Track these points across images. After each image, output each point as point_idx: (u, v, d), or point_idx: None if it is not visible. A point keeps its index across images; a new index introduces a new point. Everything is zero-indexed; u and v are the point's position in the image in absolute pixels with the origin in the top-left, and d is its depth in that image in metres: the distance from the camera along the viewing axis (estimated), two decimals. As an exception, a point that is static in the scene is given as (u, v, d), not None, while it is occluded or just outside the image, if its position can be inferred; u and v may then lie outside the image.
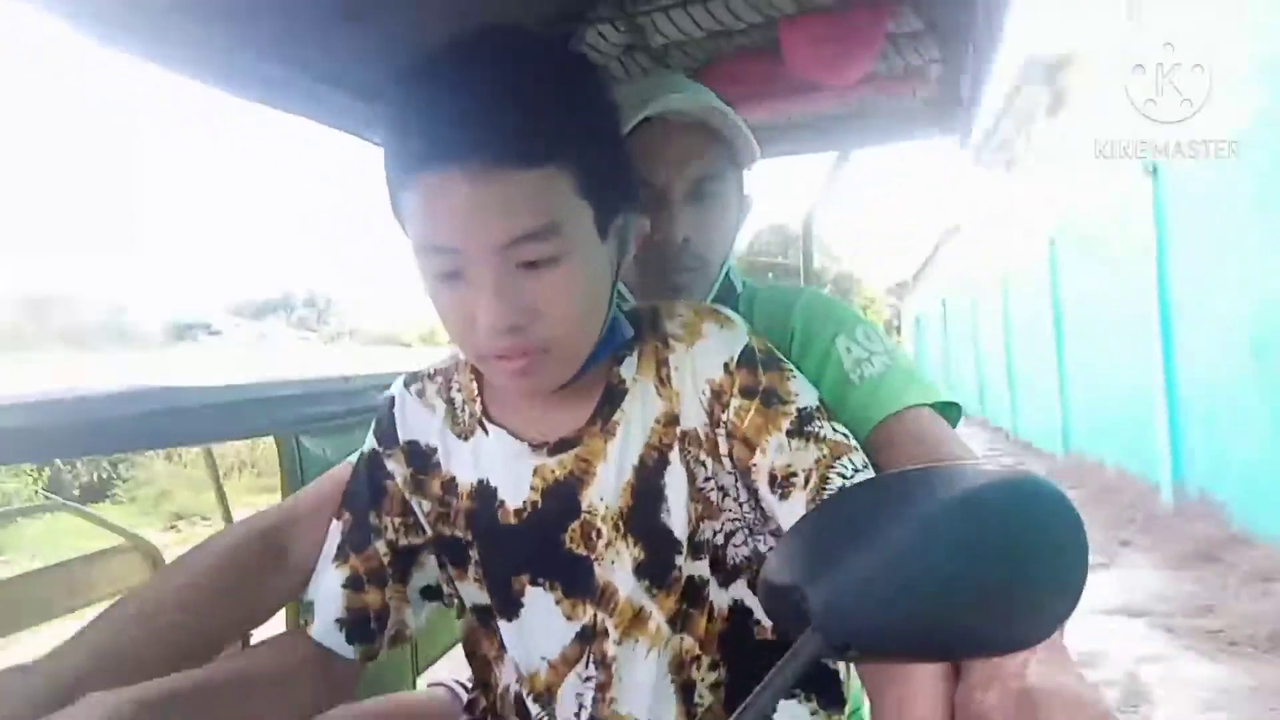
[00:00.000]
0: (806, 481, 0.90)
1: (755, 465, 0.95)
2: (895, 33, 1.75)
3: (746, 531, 1.03)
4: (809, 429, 0.94)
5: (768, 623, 1.04)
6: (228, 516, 1.83)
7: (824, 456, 0.92)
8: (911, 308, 35.20)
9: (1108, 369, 9.22)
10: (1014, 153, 13.89)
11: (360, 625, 1.05)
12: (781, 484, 0.92)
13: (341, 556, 1.07)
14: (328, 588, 1.06)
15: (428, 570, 1.11)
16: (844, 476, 0.90)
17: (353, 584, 1.05)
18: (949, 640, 0.62)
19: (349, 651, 1.05)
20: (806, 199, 2.69)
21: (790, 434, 0.94)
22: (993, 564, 0.60)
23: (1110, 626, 4.97)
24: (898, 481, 0.66)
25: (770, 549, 0.99)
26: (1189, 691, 4.03)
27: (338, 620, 1.04)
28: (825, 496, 0.88)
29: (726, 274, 1.32)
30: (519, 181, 0.81)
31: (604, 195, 0.89)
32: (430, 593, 1.12)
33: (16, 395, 1.21)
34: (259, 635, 1.14)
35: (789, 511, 0.91)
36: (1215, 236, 6.67)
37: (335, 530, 1.09)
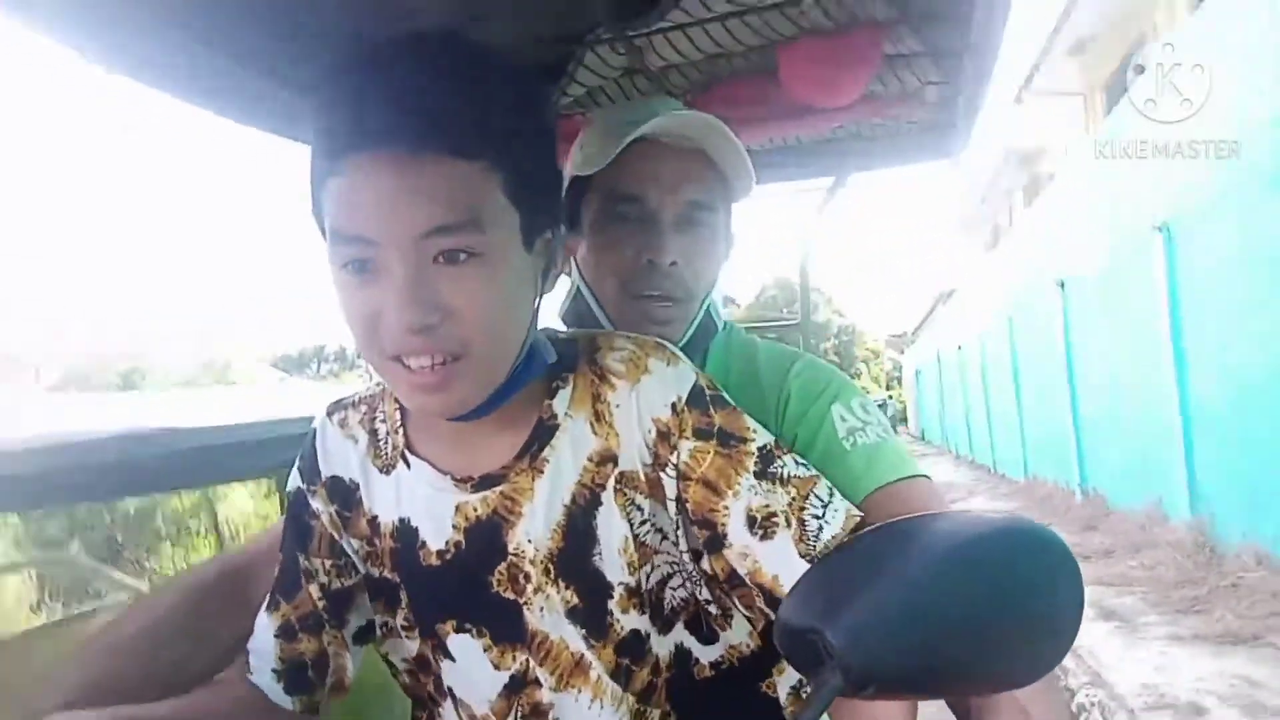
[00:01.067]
0: (788, 523, 0.87)
1: (725, 508, 0.90)
2: (892, 54, 1.76)
3: (684, 575, 0.99)
4: (773, 469, 0.91)
5: (707, 659, 1.02)
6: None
7: (795, 498, 0.89)
8: (911, 362, 37.99)
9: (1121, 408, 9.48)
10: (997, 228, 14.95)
11: (297, 675, 1.00)
12: (763, 525, 0.88)
13: (273, 604, 1.01)
14: (262, 637, 1.01)
15: (362, 611, 1.04)
16: (817, 518, 0.87)
17: (284, 633, 1.00)
18: (961, 676, 0.67)
19: (288, 703, 1.00)
20: (803, 235, 2.67)
21: (758, 475, 0.90)
22: (998, 603, 0.66)
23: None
24: (908, 527, 0.71)
25: (702, 593, 1.00)
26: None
27: (274, 670, 0.99)
28: (808, 535, 0.86)
29: (708, 309, 1.28)
30: (444, 170, 0.77)
31: (532, 204, 0.86)
32: (363, 635, 1.06)
33: (7, 441, 1.17)
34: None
35: (772, 552, 0.87)
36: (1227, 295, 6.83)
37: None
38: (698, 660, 1.02)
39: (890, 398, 44.53)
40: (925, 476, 1.10)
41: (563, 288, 1.27)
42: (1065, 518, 10.17)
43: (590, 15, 1.60)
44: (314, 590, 1.01)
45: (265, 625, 1.01)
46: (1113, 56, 11.60)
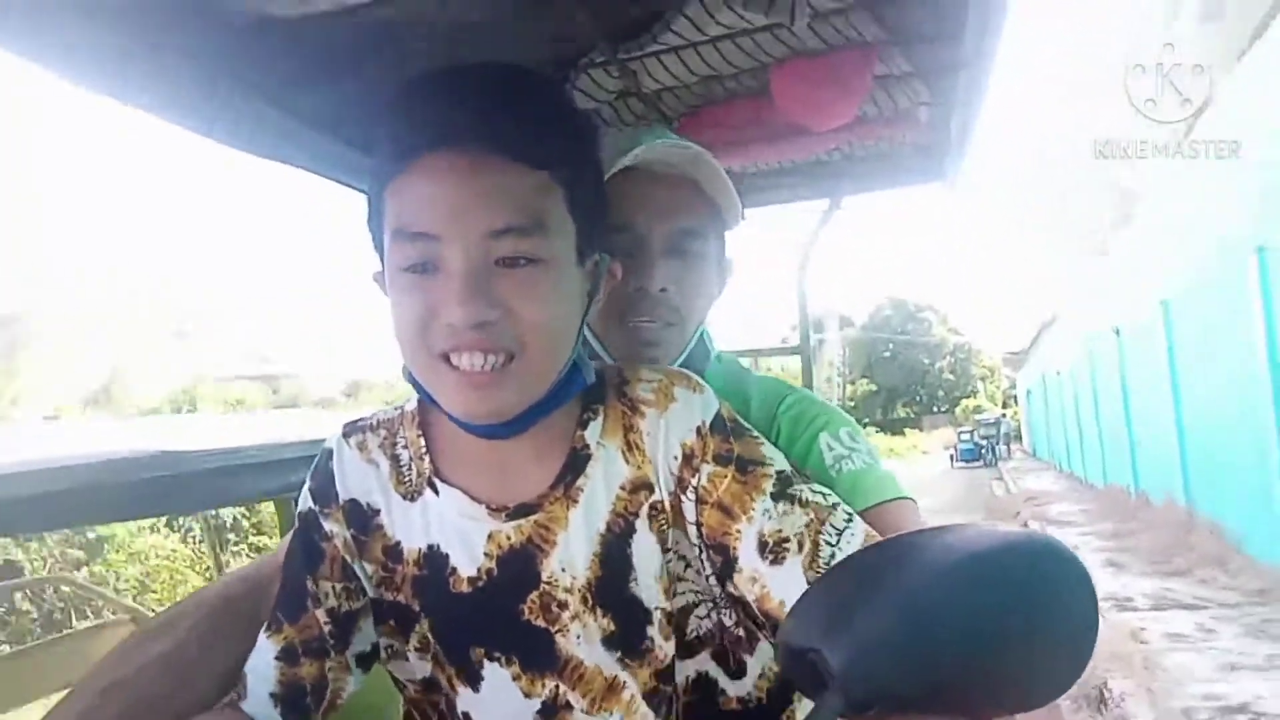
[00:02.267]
0: (800, 547, 0.87)
1: (739, 531, 0.90)
2: (884, 75, 1.77)
3: (711, 604, 1.00)
4: (790, 492, 0.92)
5: (735, 694, 1.03)
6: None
7: (811, 521, 0.89)
8: (1023, 382, 39.09)
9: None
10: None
11: (296, 700, 0.99)
12: (774, 550, 0.88)
13: (274, 627, 1.00)
14: (261, 660, 0.99)
15: (365, 634, 1.03)
16: (830, 544, 0.87)
17: (287, 656, 0.99)
18: (967, 698, 0.63)
19: None
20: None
21: (775, 497, 0.91)
22: (1005, 621, 0.62)
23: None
24: (911, 541, 0.67)
25: (729, 619, 1.00)
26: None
27: (271, 695, 0.98)
28: (820, 561, 0.85)
29: (701, 337, 1.29)
30: (514, 175, 0.82)
31: (587, 221, 0.90)
32: (365, 660, 1.05)
33: (10, 464, 1.19)
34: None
35: (782, 578, 0.87)
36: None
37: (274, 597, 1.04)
38: (724, 692, 1.03)
39: (1005, 416, 43.94)
40: (909, 499, 1.11)
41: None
42: (1125, 516, 12.74)
43: (584, 39, 1.63)
44: (321, 614, 1.00)
45: (265, 648, 0.99)
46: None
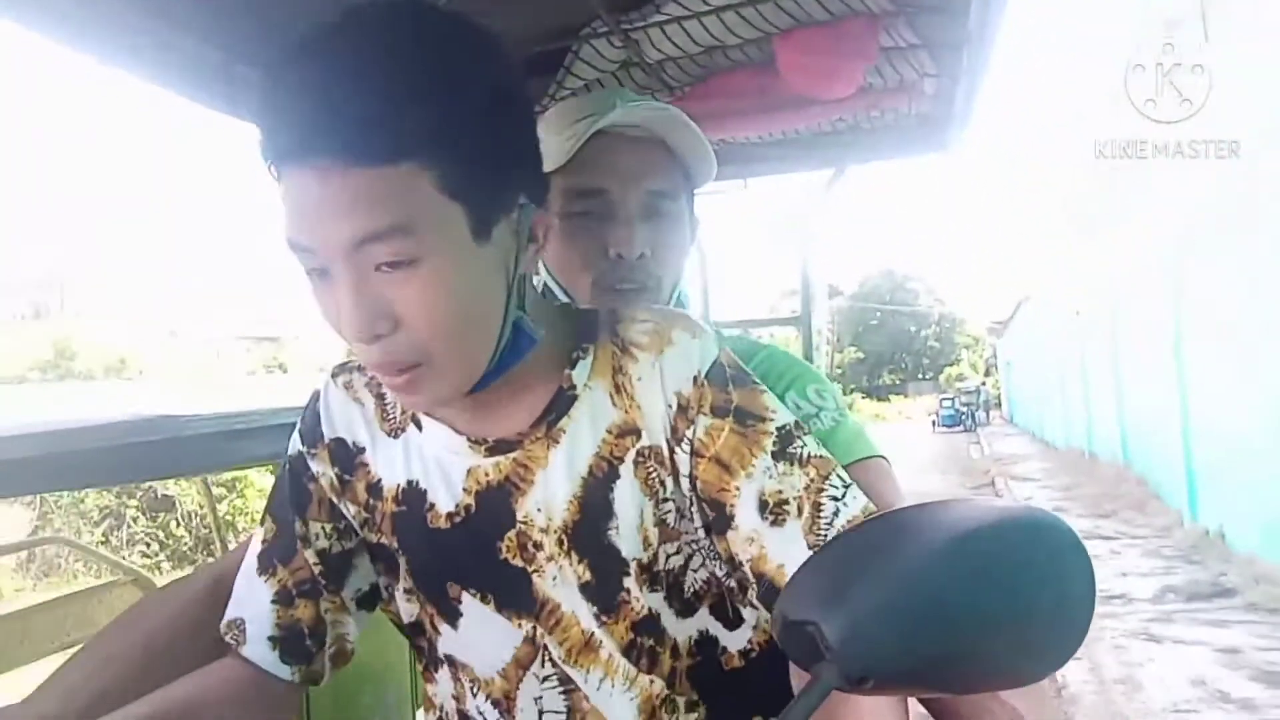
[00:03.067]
0: (800, 510, 0.85)
1: (737, 489, 0.87)
2: (889, 46, 1.75)
3: (704, 555, 0.96)
4: (791, 450, 0.88)
5: (735, 648, 1.00)
6: (224, 546, 1.81)
7: (812, 481, 0.86)
8: (1003, 354, 40.57)
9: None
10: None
11: (294, 642, 0.98)
12: (774, 510, 0.85)
13: (268, 568, 0.99)
14: (256, 603, 0.98)
15: (362, 573, 1.02)
16: (836, 499, 0.85)
17: (281, 598, 0.98)
18: (963, 672, 0.63)
19: (284, 672, 0.98)
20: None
21: (775, 456, 0.88)
22: (1003, 596, 0.61)
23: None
24: (910, 515, 0.67)
25: (729, 576, 0.96)
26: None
27: (270, 639, 0.97)
28: (821, 524, 0.84)
29: (678, 298, 1.29)
30: (368, 179, 0.75)
31: (481, 193, 0.82)
32: (366, 600, 1.03)
33: (12, 427, 1.19)
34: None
35: (781, 539, 0.84)
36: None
37: (256, 540, 1.02)
38: (725, 649, 0.99)
39: (985, 384, 44.96)
40: (881, 457, 1.12)
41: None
42: (1077, 473, 15.94)
43: (587, 9, 1.62)
44: (310, 555, 0.99)
45: (261, 590, 0.99)
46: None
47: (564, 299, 1.22)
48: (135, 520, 11.90)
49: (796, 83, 1.75)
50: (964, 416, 35.68)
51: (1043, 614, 0.64)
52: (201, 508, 11.22)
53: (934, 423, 35.61)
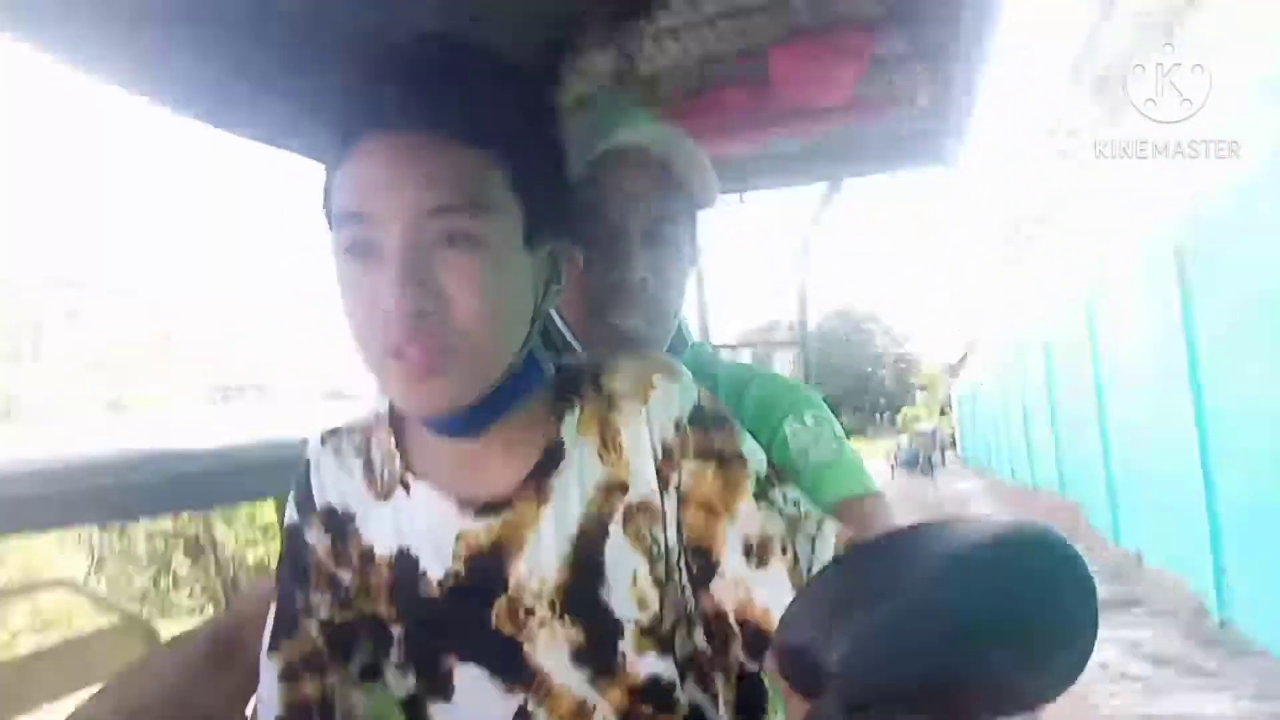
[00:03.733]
0: (784, 549, 0.84)
1: (722, 532, 0.87)
2: (883, 56, 1.76)
3: (687, 622, 0.94)
4: (770, 495, 0.88)
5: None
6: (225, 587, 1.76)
7: (787, 527, 0.86)
8: (956, 393, 41.66)
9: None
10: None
11: None
12: (758, 551, 0.85)
13: (274, 646, 0.97)
14: (266, 683, 0.96)
15: (365, 648, 1.00)
16: (812, 537, 0.86)
17: (288, 675, 0.96)
18: (968, 696, 0.62)
19: None
20: (800, 249, 2.63)
21: (756, 498, 0.87)
22: (1005, 615, 0.61)
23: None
24: (908, 538, 0.66)
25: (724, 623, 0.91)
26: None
27: (278, 719, 0.95)
28: (801, 566, 0.83)
29: (679, 328, 1.26)
30: (450, 154, 0.79)
31: (537, 205, 0.86)
32: (370, 673, 1.00)
33: (14, 462, 1.14)
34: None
35: (765, 582, 0.83)
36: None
37: (270, 615, 1.00)
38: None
39: (937, 426, 45.47)
40: (877, 494, 1.10)
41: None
42: (1020, 504, 17.54)
43: (580, 21, 1.62)
44: (312, 628, 0.97)
45: (269, 670, 0.96)
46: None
47: (560, 321, 1.19)
48: (181, 567, 11.93)
49: (790, 93, 1.75)
50: (920, 459, 36.18)
51: (1045, 632, 0.63)
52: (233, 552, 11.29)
53: (892, 465, 36.08)
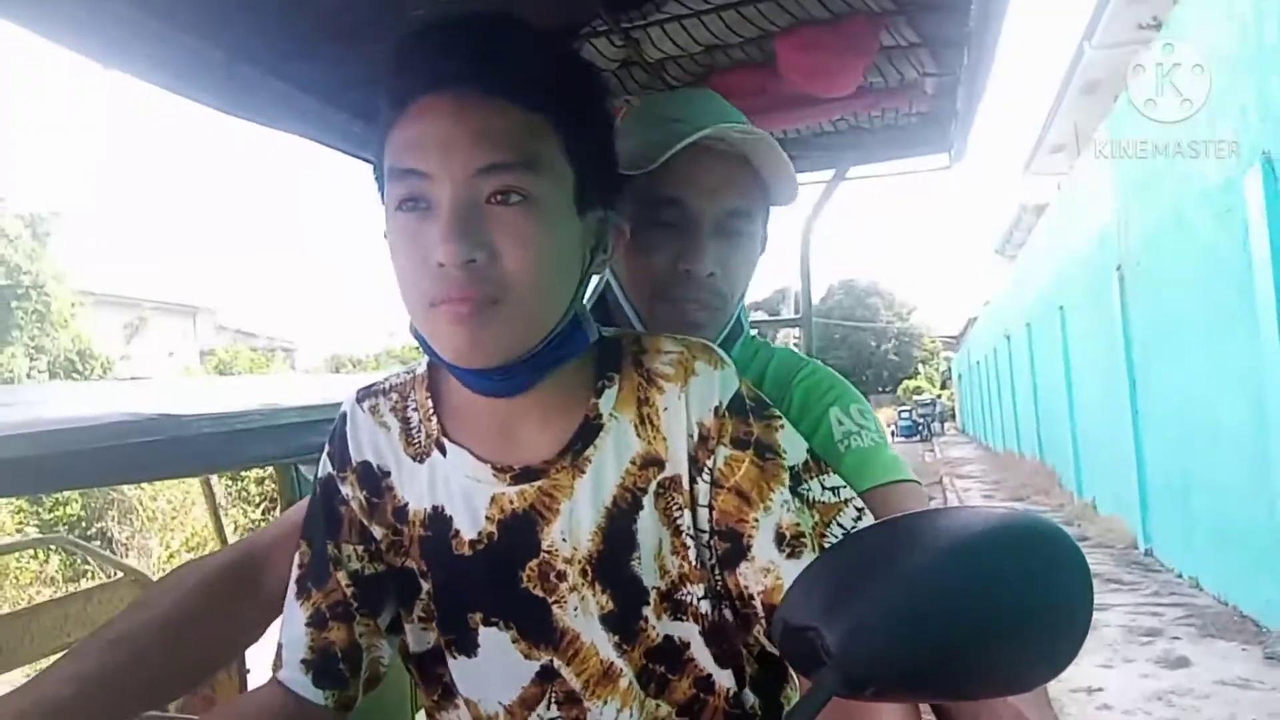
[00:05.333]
0: (814, 545, 0.87)
1: (755, 520, 0.88)
2: (890, 45, 1.76)
3: (700, 588, 0.96)
4: (802, 490, 0.90)
5: (725, 684, 0.99)
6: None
7: (827, 514, 0.90)
8: (956, 367, 42.59)
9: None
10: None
11: (327, 666, 0.98)
12: (790, 543, 0.87)
13: (303, 592, 1.00)
14: (292, 626, 0.99)
15: (392, 601, 1.03)
16: (847, 530, 0.89)
17: (315, 621, 0.98)
18: (964, 678, 0.63)
19: (318, 697, 0.98)
20: (803, 229, 2.63)
21: (792, 490, 0.90)
22: (1003, 601, 0.62)
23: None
24: (910, 522, 0.68)
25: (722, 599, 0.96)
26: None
27: (303, 662, 0.98)
28: None
29: (739, 316, 1.27)
30: (505, 115, 0.82)
31: (588, 171, 0.88)
32: (397, 625, 1.03)
33: (12, 425, 1.15)
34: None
35: (797, 571, 0.81)
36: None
37: (295, 563, 1.02)
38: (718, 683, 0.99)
39: (940, 396, 46.27)
40: (915, 482, 1.11)
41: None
42: (1007, 469, 19.63)
43: (587, 7, 1.61)
44: (343, 577, 0.99)
45: (296, 614, 0.99)
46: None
47: (625, 302, 1.21)
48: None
49: (797, 81, 1.75)
50: (920, 427, 36.80)
51: (1042, 619, 0.64)
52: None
53: (893, 433, 36.25)
